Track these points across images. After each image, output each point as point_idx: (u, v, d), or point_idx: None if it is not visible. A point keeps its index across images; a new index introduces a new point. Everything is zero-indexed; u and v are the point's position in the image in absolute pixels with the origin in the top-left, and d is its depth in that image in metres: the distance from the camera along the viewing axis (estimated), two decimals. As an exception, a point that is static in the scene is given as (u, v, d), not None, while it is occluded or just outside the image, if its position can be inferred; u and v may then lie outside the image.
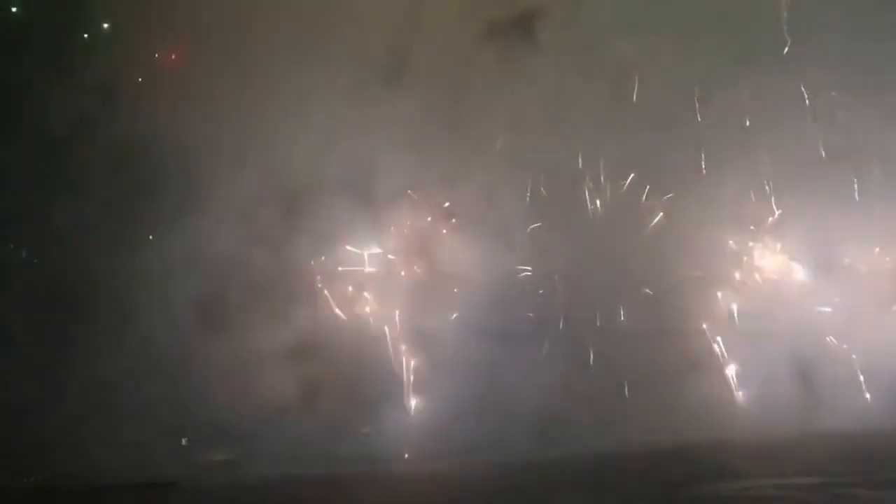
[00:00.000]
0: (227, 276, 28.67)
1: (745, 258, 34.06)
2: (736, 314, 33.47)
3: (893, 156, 31.59)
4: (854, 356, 32.17)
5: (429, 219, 32.23)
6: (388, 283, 31.46)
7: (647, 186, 32.85)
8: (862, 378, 31.98)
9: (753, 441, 29.94)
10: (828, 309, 32.40)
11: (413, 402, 31.39)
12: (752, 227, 33.84)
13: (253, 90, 29.99)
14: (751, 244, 34.04)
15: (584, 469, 25.41)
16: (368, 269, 31.65)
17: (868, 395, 31.86)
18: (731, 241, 33.70)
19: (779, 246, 33.99)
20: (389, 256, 32.02)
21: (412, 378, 31.36)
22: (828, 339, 32.43)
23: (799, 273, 33.52)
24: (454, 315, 31.54)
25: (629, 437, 30.59)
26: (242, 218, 29.65)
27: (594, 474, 24.65)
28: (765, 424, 31.49)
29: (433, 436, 30.19)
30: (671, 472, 23.53)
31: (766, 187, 33.00)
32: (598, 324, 32.52)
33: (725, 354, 33.20)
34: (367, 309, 31.27)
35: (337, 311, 31.15)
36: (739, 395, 32.83)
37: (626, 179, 33.09)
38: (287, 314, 29.29)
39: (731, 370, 33.10)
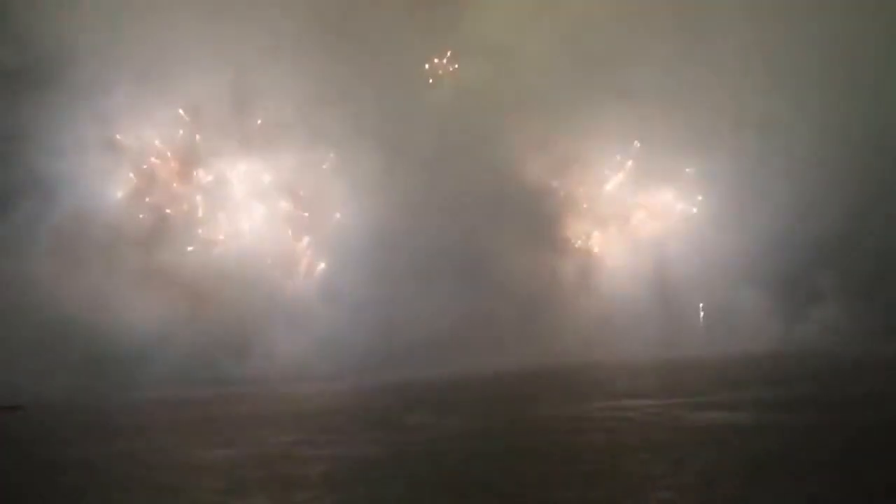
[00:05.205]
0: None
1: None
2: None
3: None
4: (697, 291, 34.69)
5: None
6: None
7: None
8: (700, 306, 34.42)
9: (616, 363, 31.86)
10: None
11: (308, 329, 32.31)
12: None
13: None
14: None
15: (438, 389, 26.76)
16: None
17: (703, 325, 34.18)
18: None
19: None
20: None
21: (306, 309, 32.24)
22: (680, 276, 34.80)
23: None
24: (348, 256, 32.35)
25: (504, 360, 32.23)
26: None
27: (450, 394, 25.86)
28: (629, 349, 33.46)
29: (329, 358, 31.35)
30: (521, 395, 24.91)
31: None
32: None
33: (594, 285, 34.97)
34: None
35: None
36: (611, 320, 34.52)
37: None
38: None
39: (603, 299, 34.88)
